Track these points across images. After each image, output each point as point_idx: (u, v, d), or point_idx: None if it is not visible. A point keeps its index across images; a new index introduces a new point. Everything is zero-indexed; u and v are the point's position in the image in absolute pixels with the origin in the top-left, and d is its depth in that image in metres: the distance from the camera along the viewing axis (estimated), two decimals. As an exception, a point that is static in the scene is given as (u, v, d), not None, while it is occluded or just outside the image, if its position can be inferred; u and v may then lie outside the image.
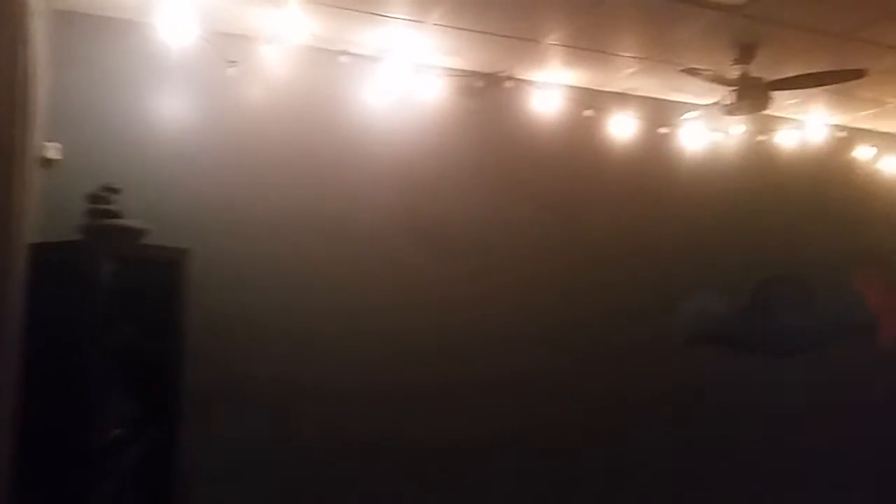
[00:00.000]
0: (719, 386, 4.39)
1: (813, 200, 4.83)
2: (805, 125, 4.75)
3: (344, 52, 3.54)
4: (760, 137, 4.65)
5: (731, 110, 3.67)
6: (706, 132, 4.44)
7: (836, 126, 4.85)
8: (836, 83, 3.58)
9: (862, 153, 4.92)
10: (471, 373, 3.82)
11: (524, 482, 3.93)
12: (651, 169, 4.38)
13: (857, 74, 3.42)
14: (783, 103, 4.25)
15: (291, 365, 3.50)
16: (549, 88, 4.03)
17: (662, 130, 4.34)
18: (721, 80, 3.60)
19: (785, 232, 4.70)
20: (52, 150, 3.08)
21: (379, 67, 3.65)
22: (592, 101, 4.14)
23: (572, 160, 4.19)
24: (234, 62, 3.33)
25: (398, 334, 3.72)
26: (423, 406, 3.74)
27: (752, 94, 3.56)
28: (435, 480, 3.73)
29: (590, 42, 3.67)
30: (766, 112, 4.49)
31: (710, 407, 4.36)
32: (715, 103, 3.85)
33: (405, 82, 3.73)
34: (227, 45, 3.34)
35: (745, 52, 3.57)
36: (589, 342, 4.10)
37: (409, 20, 3.35)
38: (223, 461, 3.27)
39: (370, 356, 3.66)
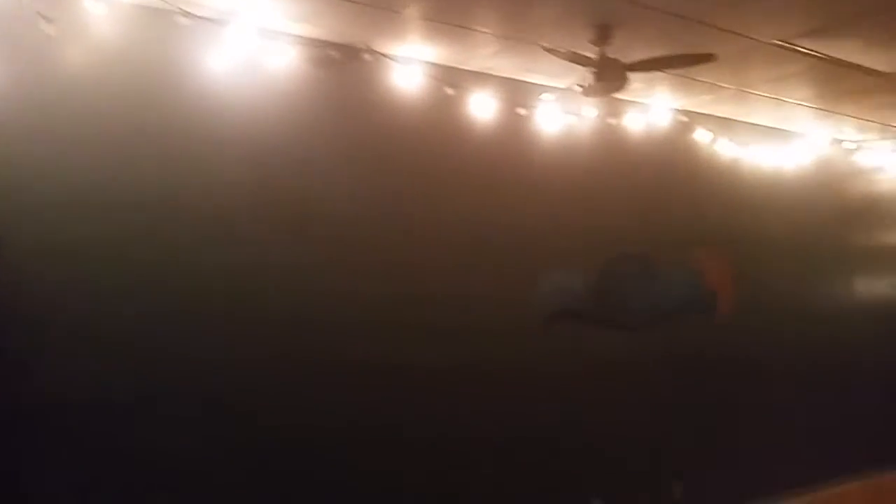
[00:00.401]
0: (577, 360, 4.50)
1: (658, 181, 5.04)
2: (650, 109, 4.93)
3: (182, 13, 3.17)
4: (611, 120, 4.76)
5: (589, 91, 3.70)
6: (561, 114, 4.48)
7: (678, 110, 5.08)
8: (688, 66, 3.70)
9: (701, 136, 5.19)
10: (334, 357, 3.63)
11: (373, 470, 3.79)
12: (509, 149, 4.36)
13: (707, 58, 3.54)
14: (631, 87, 4.36)
15: (124, 367, 3.12)
16: (409, 64, 3.87)
17: (521, 111, 4.32)
18: (579, 60, 3.60)
19: (633, 211, 4.87)
20: None
21: (223, 31, 3.31)
22: (453, 79, 4.03)
23: (433, 138, 4.07)
24: (51, 19, 2.87)
25: (247, 323, 3.42)
26: (280, 401, 3.49)
27: (609, 76, 3.59)
28: (275, 479, 3.51)
29: (450, 16, 3.54)
30: (616, 95, 4.63)
31: (568, 381, 4.45)
32: (572, 85, 3.88)
33: (253, 49, 3.42)
34: (43, -3, 2.87)
35: (603, 33, 3.59)
36: (448, 321, 4.00)
37: (256, -20, 3.06)
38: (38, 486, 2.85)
39: (218, 352, 3.34)
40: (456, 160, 4.14)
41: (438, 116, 4.05)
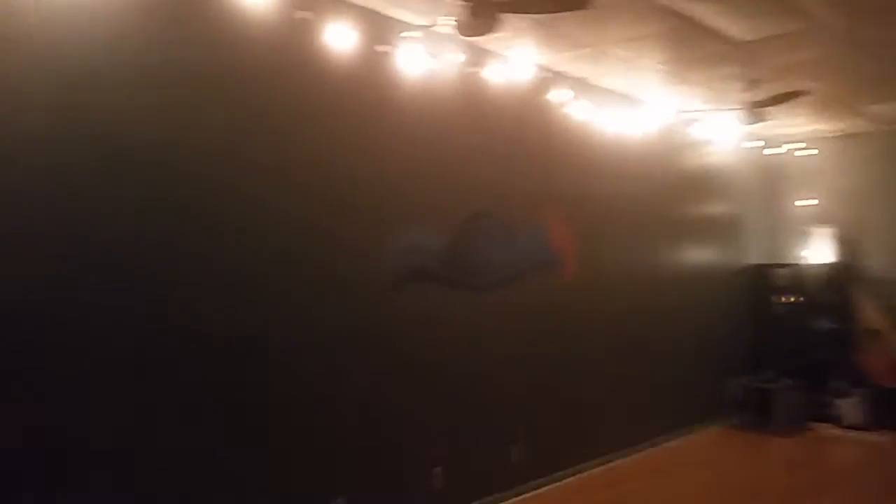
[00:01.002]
0: (429, 322, 4.24)
1: (515, 138, 4.86)
2: (512, 62, 4.71)
3: None
4: (472, 69, 4.48)
5: (461, 28, 3.36)
6: (423, 56, 4.13)
7: (539, 66, 4.91)
8: (563, 10, 3.47)
9: (558, 96, 5.06)
10: (150, 306, 3.08)
11: (201, 440, 3.33)
12: (365, 89, 3.93)
13: (581, 4, 3.33)
14: (493, 36, 4.11)
15: None
16: (255, -23, 3.32)
17: (381, 48, 3.92)
18: (451, -8, 3.26)
19: (490, 167, 4.67)
20: None
21: None
22: (306, 1, 3.53)
23: (279, 68, 3.54)
24: None
25: (41, 263, 2.79)
26: (74, 356, 2.91)
27: (483, 13, 3.27)
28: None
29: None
30: (478, 43, 4.38)
31: (420, 344, 4.19)
32: (437, 22, 3.54)
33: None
34: None
35: (476, -34, 3.27)
36: (284, 275, 3.55)
37: None
38: None
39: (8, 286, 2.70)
40: (303, 96, 3.65)
41: (285, 43, 3.54)
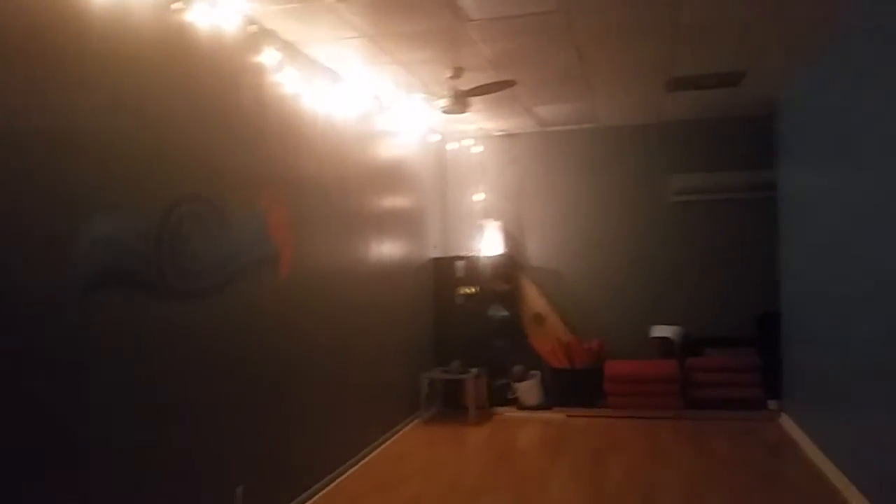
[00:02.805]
0: (127, 340, 3.11)
1: (227, 105, 3.93)
2: (219, 6, 3.78)
3: None
4: (176, 6, 3.46)
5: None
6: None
7: (248, 18, 4.05)
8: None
9: (268, 58, 4.26)
10: None
11: None
12: (24, 15, 2.69)
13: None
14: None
15: None
16: None
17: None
18: None
19: (199, 138, 3.67)
20: None
21: None
22: None
23: None
24: None
25: None
26: None
27: None
28: None
29: None
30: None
31: (115, 370, 3.03)
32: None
33: None
34: None
35: None
36: None
37: None
38: None
39: None
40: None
41: None
